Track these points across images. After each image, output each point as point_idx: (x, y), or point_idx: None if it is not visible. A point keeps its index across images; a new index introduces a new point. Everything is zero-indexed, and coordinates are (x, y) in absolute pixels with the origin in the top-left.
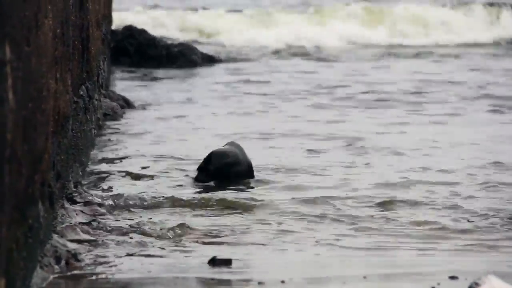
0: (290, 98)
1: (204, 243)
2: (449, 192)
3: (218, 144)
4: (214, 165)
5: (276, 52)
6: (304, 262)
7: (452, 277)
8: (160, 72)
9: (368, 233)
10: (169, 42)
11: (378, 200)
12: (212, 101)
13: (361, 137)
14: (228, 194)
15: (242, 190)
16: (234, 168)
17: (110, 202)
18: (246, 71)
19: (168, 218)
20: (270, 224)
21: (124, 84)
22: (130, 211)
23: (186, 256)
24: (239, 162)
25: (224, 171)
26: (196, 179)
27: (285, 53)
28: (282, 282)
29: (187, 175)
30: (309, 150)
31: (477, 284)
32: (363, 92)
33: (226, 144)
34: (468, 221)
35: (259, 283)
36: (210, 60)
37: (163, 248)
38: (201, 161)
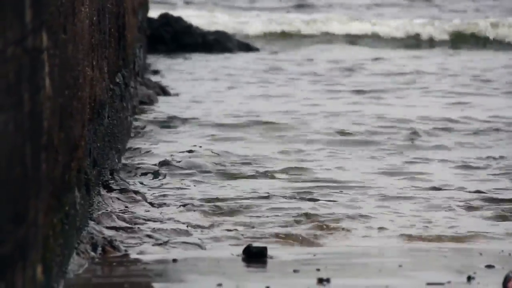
0: None
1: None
2: None
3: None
4: None
5: None
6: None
7: (489, 266)
8: (197, 59)
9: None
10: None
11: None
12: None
13: None
14: None
15: None
16: None
17: (146, 189)
18: None
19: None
20: None
21: (160, 71)
22: (165, 197)
23: (222, 243)
24: None
25: None
26: None
27: None
28: (317, 270)
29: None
30: None
31: None
32: None
33: None
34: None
35: (294, 271)
36: (246, 48)
37: (199, 238)
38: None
